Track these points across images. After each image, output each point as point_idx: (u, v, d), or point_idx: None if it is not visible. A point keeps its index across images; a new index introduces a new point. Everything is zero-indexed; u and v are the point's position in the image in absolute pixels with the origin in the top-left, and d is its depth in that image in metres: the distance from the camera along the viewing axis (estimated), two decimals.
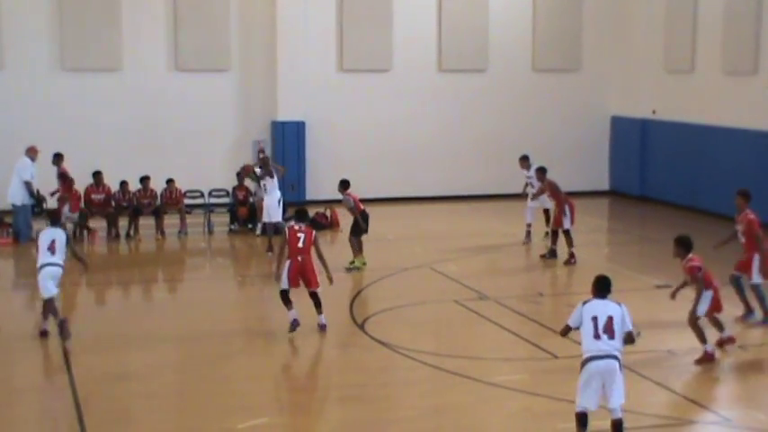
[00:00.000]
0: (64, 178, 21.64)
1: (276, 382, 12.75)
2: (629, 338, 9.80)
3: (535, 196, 21.35)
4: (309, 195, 26.18)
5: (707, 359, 12.76)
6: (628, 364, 12.19)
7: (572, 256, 19.00)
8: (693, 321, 12.82)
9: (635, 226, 24.72)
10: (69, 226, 20.67)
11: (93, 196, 22.19)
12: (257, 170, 23.21)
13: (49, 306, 13.98)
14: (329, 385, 12.50)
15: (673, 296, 13.39)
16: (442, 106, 27.80)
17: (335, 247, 21.46)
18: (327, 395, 12.03)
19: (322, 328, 14.43)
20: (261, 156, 25.08)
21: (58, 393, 11.72)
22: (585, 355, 9.59)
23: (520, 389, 11.64)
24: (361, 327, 14.70)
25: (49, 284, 13.93)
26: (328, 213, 23.47)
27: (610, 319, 9.58)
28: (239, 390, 11.98)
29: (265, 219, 20.97)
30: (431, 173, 27.76)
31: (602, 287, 9.92)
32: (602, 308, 9.67)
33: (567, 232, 19.25)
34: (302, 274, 14.23)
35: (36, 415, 11.27)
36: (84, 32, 24.98)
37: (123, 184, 22.50)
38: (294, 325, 14.18)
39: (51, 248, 14.08)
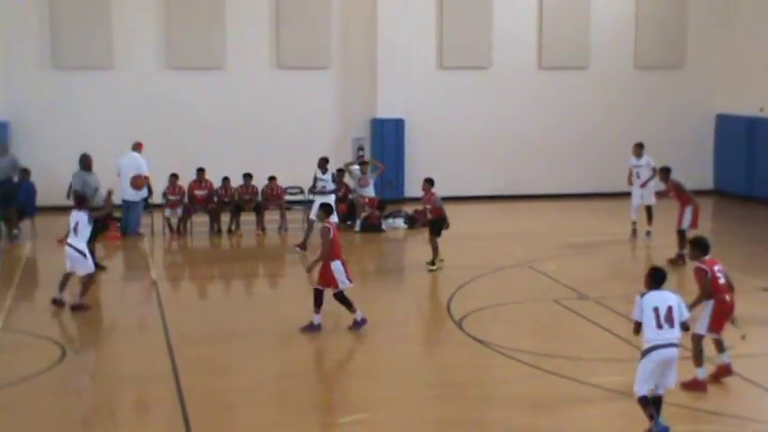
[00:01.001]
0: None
1: (375, 378, 12.81)
2: (684, 327, 10.05)
3: (644, 185, 21.07)
4: (408, 193, 26.25)
5: (695, 386, 11.49)
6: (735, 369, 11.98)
7: (681, 257, 18.53)
8: (694, 337, 11.51)
9: (740, 226, 24.17)
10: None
11: (195, 192, 22.60)
12: (354, 168, 23.44)
13: (64, 279, 15.50)
14: (427, 382, 12.51)
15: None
16: (542, 104, 27.59)
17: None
18: (425, 392, 12.04)
19: (362, 322, 14.29)
20: (360, 153, 25.28)
21: (161, 384, 11.97)
22: (649, 345, 9.89)
23: (620, 391, 11.47)
24: (459, 324, 14.68)
25: (68, 262, 15.36)
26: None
27: (669, 308, 9.89)
28: (339, 385, 12.09)
29: (312, 216, 20.15)
30: (530, 171, 27.58)
31: (657, 279, 10.14)
32: (661, 298, 9.95)
33: (682, 233, 18.78)
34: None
35: (141, 404, 11.53)
36: (189, 31, 25.49)
37: (225, 180, 22.86)
38: (362, 323, 14.19)
39: (75, 230, 15.30)
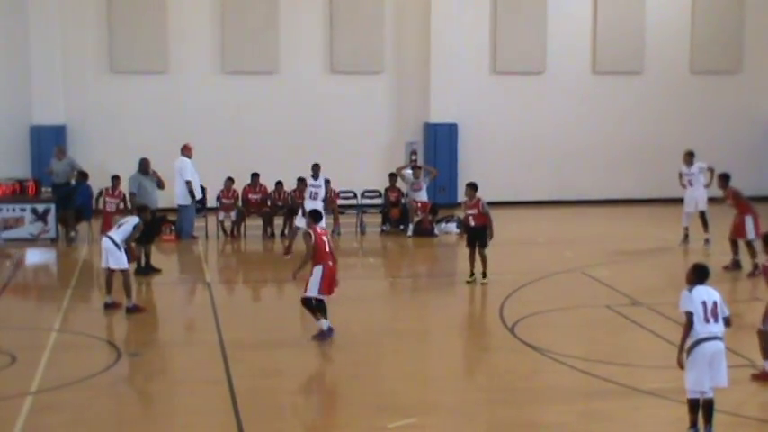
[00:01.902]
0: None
1: (426, 382, 12.82)
2: (727, 323, 10.17)
3: (707, 185, 20.96)
4: (461, 198, 26.06)
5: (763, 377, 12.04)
6: None
7: (756, 267, 17.91)
8: (760, 332, 12.05)
9: None
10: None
11: (250, 196, 22.78)
12: (406, 172, 23.51)
13: (107, 280, 15.78)
14: (478, 387, 12.50)
15: None
16: (596, 109, 27.43)
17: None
18: (476, 397, 12.03)
19: (328, 332, 13.86)
20: (413, 158, 25.31)
21: (215, 386, 12.07)
22: (694, 338, 9.95)
23: (673, 398, 11.37)
24: (511, 330, 14.63)
25: (103, 255, 15.66)
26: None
27: (714, 303, 10.04)
28: (389, 389, 12.10)
29: (297, 223, 20.83)
30: (584, 176, 27.42)
31: (702, 274, 10.27)
32: (707, 293, 10.10)
33: (749, 243, 18.38)
34: (333, 280, 13.77)
35: (195, 407, 11.64)
36: (244, 36, 25.72)
37: (279, 184, 23.01)
38: (329, 334, 13.76)
39: (119, 226, 15.91)
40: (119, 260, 15.52)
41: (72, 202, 21.94)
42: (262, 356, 13.41)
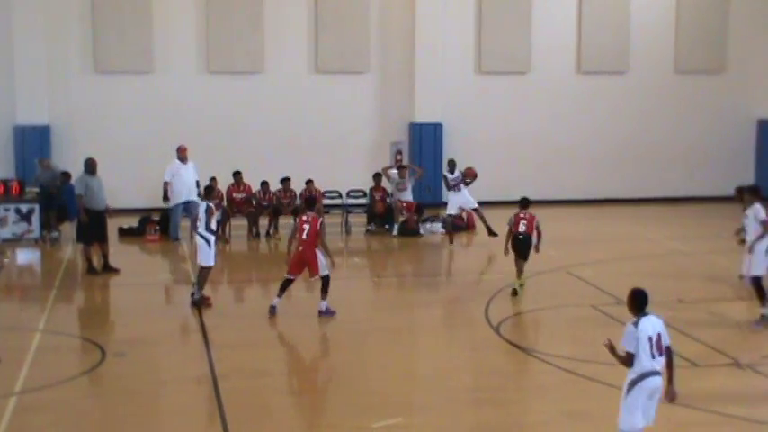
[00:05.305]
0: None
1: (411, 382, 12.82)
2: (668, 353, 9.38)
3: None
4: (445, 197, 26.14)
5: None
6: None
7: None
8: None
9: None
10: None
11: (234, 195, 22.74)
12: (392, 172, 23.53)
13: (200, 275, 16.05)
14: (463, 387, 12.51)
15: None
16: (581, 109, 27.49)
17: (471, 250, 21.49)
18: (461, 397, 12.04)
19: (320, 313, 15.15)
20: (398, 158, 25.31)
21: (200, 387, 12.04)
22: (636, 374, 9.25)
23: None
24: (497, 329, 14.65)
25: (198, 254, 15.98)
26: (464, 215, 23.45)
27: (659, 336, 9.29)
28: (374, 389, 12.09)
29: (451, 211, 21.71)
30: (569, 176, 27.48)
31: (643, 301, 9.45)
32: (653, 326, 9.30)
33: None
34: (302, 263, 15.09)
35: (179, 407, 11.61)
36: (228, 36, 25.68)
37: (264, 183, 22.98)
38: (272, 311, 15.25)
39: (199, 219, 15.94)
40: (205, 255, 15.83)
41: (55, 203, 21.80)
42: (247, 356, 13.39)
